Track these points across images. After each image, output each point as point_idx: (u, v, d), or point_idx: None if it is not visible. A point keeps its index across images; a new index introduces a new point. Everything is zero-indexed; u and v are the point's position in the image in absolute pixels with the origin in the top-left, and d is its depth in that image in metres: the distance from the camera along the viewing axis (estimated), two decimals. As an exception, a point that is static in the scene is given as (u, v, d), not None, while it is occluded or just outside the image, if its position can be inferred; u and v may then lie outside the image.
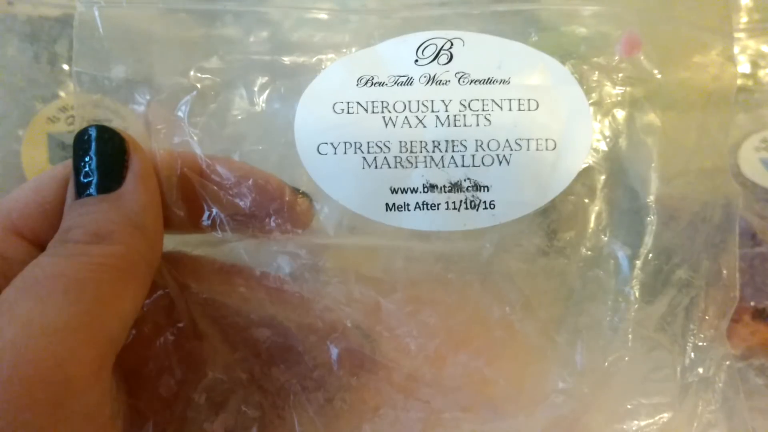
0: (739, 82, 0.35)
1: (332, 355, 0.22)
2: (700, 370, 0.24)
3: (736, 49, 0.35)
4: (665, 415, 0.24)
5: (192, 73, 0.24)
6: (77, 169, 0.20)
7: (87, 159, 0.20)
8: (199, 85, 0.24)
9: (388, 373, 0.23)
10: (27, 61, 0.24)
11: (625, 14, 0.24)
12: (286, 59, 0.24)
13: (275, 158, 0.24)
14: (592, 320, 0.23)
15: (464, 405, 0.23)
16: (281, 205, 0.22)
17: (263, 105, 0.24)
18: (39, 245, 0.20)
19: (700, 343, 0.24)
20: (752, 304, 0.30)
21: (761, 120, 0.34)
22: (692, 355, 0.24)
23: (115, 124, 0.21)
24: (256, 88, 0.24)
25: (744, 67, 0.35)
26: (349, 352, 0.22)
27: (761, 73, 0.35)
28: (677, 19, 0.24)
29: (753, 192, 0.33)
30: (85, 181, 0.20)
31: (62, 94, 0.22)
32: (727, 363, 0.24)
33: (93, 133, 0.20)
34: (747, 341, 0.31)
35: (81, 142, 0.20)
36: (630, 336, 0.23)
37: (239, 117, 0.24)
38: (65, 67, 0.22)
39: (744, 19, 0.35)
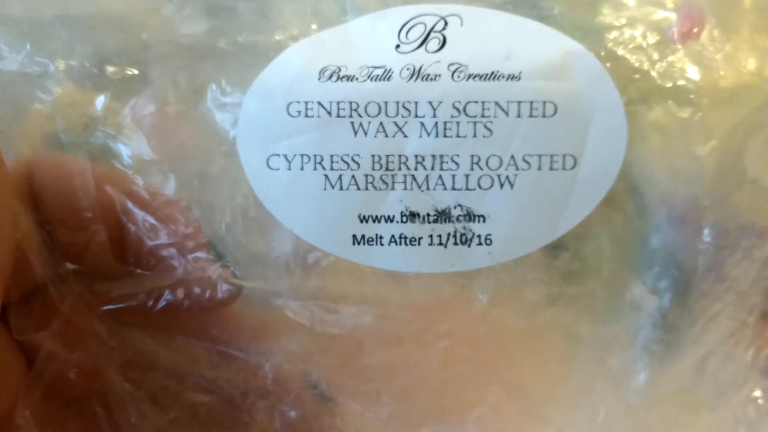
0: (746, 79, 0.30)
1: (284, 425, 0.19)
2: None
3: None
4: None
5: (108, 59, 0.19)
6: None
7: None
8: (117, 77, 0.19)
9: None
10: (21, 58, 0.21)
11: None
12: (229, 42, 0.19)
13: (214, 173, 0.19)
14: (611, 383, 0.19)
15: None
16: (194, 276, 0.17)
17: (199, 103, 0.19)
18: None
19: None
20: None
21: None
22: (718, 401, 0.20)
23: (111, 122, 0.19)
24: (189, 80, 0.19)
25: (750, 63, 0.30)
26: (303, 420, 0.19)
27: (767, 70, 0.30)
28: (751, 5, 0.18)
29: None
30: None
31: (58, 91, 0.19)
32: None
33: None
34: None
35: None
36: (655, 399, 0.19)
37: (168, 117, 0.19)
38: (60, 65, 0.19)
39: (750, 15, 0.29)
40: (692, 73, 0.19)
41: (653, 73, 0.19)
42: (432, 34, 0.19)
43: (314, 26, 0.19)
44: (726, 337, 0.20)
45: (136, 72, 0.19)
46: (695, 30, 0.19)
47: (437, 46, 0.19)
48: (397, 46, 0.19)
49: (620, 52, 0.19)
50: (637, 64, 0.19)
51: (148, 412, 0.19)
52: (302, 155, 0.19)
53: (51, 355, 0.18)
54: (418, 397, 0.19)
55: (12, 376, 0.18)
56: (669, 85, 0.19)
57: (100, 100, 0.19)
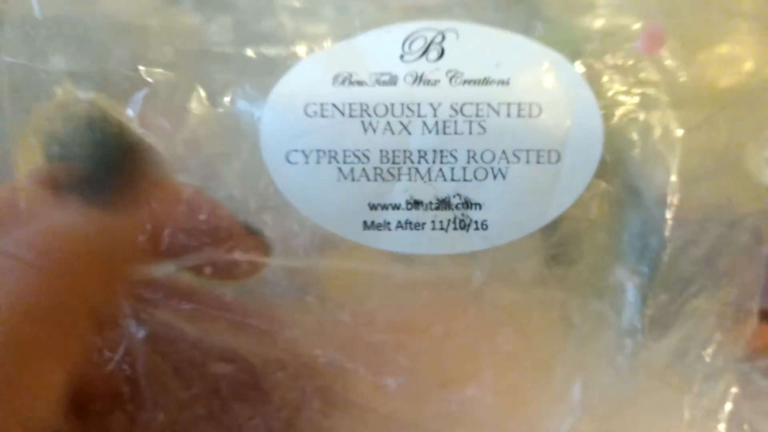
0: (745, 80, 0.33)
1: (302, 394, 0.21)
2: (705, 403, 0.23)
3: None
4: None
5: (143, 66, 0.22)
6: None
7: None
8: (151, 80, 0.22)
9: (363, 414, 0.21)
10: (21, 59, 0.23)
11: (646, 2, 0.22)
12: (253, 52, 0.22)
13: (238, 167, 0.22)
14: (594, 358, 0.21)
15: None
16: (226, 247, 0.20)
17: (225, 105, 0.22)
18: None
19: (708, 377, 0.22)
20: None
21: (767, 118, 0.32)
22: (699, 389, 0.22)
23: (113, 123, 0.21)
24: (217, 86, 0.22)
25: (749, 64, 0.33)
26: (320, 390, 0.21)
27: (767, 71, 0.33)
28: (707, 5, 0.21)
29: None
30: None
31: (58, 92, 0.21)
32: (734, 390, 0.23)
33: None
34: (752, 343, 0.29)
35: None
36: (636, 376, 0.21)
37: (197, 118, 0.22)
38: (62, 66, 0.21)
39: None
40: (656, 78, 0.22)
41: (624, 79, 0.22)
42: (432, 46, 0.22)
43: (327, 41, 0.22)
44: (701, 322, 0.22)
45: (140, 74, 0.21)
46: (658, 44, 0.22)
47: (436, 56, 0.22)
48: (401, 56, 0.22)
49: (596, 62, 0.22)
50: (610, 72, 0.22)
51: (171, 386, 0.21)
52: (318, 150, 0.21)
53: None
54: (424, 368, 0.21)
55: None
56: (637, 90, 0.22)
57: (104, 102, 0.21)
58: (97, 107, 0.21)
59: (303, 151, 0.21)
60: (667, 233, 0.22)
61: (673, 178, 0.22)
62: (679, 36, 0.22)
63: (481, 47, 0.22)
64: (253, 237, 0.21)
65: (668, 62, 0.22)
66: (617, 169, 0.22)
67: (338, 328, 0.21)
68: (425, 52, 0.22)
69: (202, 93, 0.22)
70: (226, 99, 0.22)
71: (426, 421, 0.21)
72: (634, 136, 0.22)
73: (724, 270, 0.22)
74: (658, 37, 0.22)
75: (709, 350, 0.23)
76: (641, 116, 0.22)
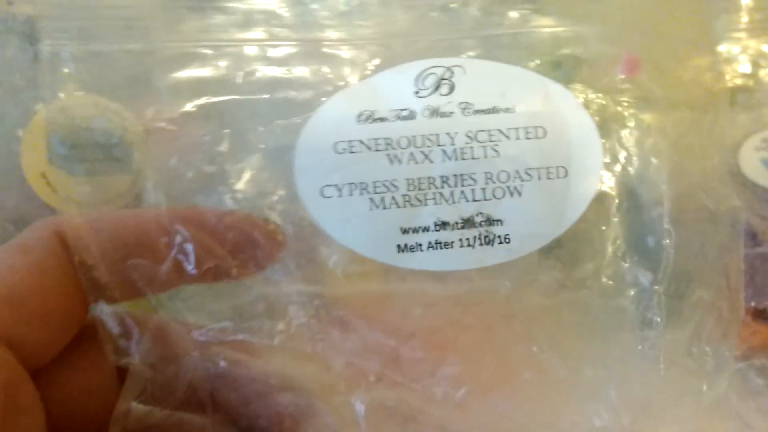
0: (740, 81, 0.36)
1: (359, 412, 0.22)
2: (718, 389, 0.25)
3: (737, 49, 0.36)
4: None
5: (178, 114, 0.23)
6: None
7: None
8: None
9: (419, 427, 0.22)
10: (26, 61, 0.25)
11: (623, 34, 0.25)
12: (280, 96, 0.24)
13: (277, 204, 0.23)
14: (621, 350, 0.23)
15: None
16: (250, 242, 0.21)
17: (259, 146, 0.23)
18: None
19: (717, 363, 0.25)
20: (753, 304, 0.31)
21: (762, 120, 0.35)
22: (711, 376, 0.25)
23: (115, 125, 0.22)
24: (249, 131, 0.23)
25: (744, 66, 0.36)
26: (375, 407, 0.22)
27: (762, 73, 0.36)
28: (668, 36, 0.25)
29: (753, 192, 0.34)
30: None
31: (62, 94, 0.22)
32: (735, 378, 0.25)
33: None
34: (748, 341, 0.31)
35: None
36: (660, 364, 0.23)
37: (235, 160, 0.23)
38: (65, 68, 0.22)
39: (745, 18, 0.36)
40: (637, 98, 0.25)
41: (614, 98, 0.25)
42: (442, 81, 0.24)
43: (350, 81, 0.24)
44: (708, 312, 0.25)
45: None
46: (636, 68, 0.25)
47: (448, 91, 0.24)
48: (416, 92, 0.24)
49: (585, 85, 0.25)
50: (601, 94, 0.24)
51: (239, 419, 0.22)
52: (350, 184, 0.23)
53: (139, 374, 0.21)
54: (467, 373, 0.23)
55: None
56: (619, 108, 0.25)
57: (105, 104, 0.23)
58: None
59: (336, 186, 0.23)
60: (665, 232, 0.24)
61: (664, 184, 0.24)
62: (651, 61, 0.25)
63: (486, 80, 0.24)
64: (266, 222, 0.23)
65: (646, 82, 0.25)
66: (617, 178, 0.24)
67: (382, 346, 0.23)
68: (437, 87, 0.24)
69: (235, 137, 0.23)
70: (258, 141, 0.23)
71: (475, 427, 0.22)
72: (628, 147, 0.24)
73: (713, 263, 0.25)
74: (636, 62, 0.25)
75: (715, 343, 0.25)
76: (631, 130, 0.24)
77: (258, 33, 0.25)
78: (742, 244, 0.25)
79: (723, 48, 0.34)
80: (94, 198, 0.24)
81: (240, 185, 0.24)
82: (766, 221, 0.33)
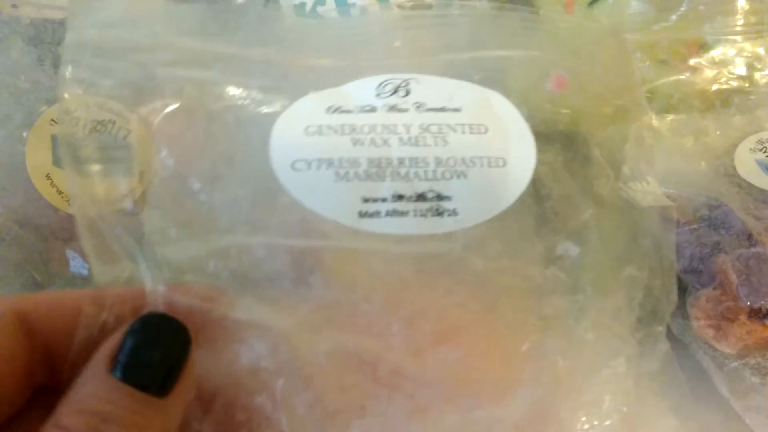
0: (735, 84, 0.39)
1: (322, 353, 0.24)
2: (647, 363, 0.27)
3: (732, 52, 0.38)
4: (624, 408, 0.26)
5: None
6: (135, 348, 0.20)
7: (151, 346, 0.20)
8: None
9: (373, 370, 0.24)
10: (31, 63, 0.26)
11: (552, 57, 0.30)
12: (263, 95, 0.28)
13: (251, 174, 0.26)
14: (556, 311, 0.26)
15: (447, 396, 0.24)
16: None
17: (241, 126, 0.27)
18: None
19: (646, 338, 0.27)
20: (748, 303, 0.33)
21: (757, 122, 0.37)
22: (640, 348, 0.27)
23: (119, 126, 0.23)
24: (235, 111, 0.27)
25: (740, 69, 0.39)
26: (336, 350, 0.24)
27: (757, 75, 0.39)
28: (589, 58, 0.30)
29: (749, 193, 0.36)
30: (134, 366, 0.20)
31: (66, 96, 0.23)
32: (670, 358, 0.28)
33: (173, 325, 0.21)
34: (743, 340, 0.33)
35: (153, 326, 0.21)
36: (590, 325, 0.26)
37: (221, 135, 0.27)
38: (69, 70, 0.24)
39: (740, 21, 0.39)
40: (564, 107, 0.29)
41: (544, 107, 0.29)
42: (400, 88, 0.29)
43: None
44: (634, 285, 0.28)
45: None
46: (562, 84, 0.30)
47: (404, 94, 0.28)
48: (378, 95, 0.28)
49: (520, 97, 0.29)
50: (533, 102, 0.29)
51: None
52: (318, 159, 0.27)
53: None
54: (420, 324, 0.25)
55: None
56: (552, 116, 0.29)
57: (108, 105, 0.25)
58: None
59: (305, 160, 0.26)
60: (593, 215, 0.28)
61: (594, 176, 0.29)
62: (576, 79, 0.30)
63: (436, 88, 0.29)
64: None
65: (569, 98, 0.30)
66: (549, 170, 0.28)
67: (345, 299, 0.25)
68: (395, 92, 0.28)
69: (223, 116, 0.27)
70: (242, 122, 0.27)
71: (427, 373, 0.24)
72: (557, 145, 0.29)
73: (647, 246, 0.28)
74: (563, 81, 0.30)
75: (645, 318, 0.28)
76: (561, 130, 0.29)
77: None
78: (674, 234, 0.29)
79: (718, 51, 0.37)
80: (99, 199, 0.25)
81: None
82: (761, 222, 0.35)
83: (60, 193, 0.30)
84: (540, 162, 0.28)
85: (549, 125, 0.29)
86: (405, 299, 0.25)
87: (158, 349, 0.20)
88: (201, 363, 0.23)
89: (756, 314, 0.33)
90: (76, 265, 0.32)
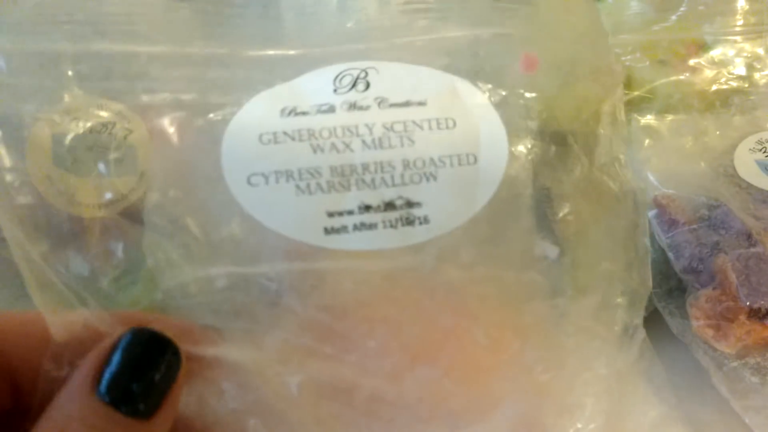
0: (735, 84, 0.38)
1: (294, 387, 0.23)
2: (626, 356, 0.27)
3: (732, 52, 0.38)
4: (608, 409, 0.26)
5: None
6: (121, 370, 0.19)
7: (141, 366, 0.19)
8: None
9: (350, 397, 0.23)
10: (31, 63, 0.24)
11: (522, 35, 0.28)
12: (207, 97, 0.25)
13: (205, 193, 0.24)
14: (536, 318, 0.25)
15: (426, 418, 0.24)
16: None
17: (185, 141, 0.25)
18: None
19: (625, 332, 0.27)
20: (747, 303, 0.33)
21: (757, 122, 0.37)
22: (620, 343, 0.27)
23: (119, 126, 0.23)
24: (176, 125, 0.25)
25: (740, 69, 0.39)
26: (309, 382, 0.23)
27: (756, 75, 0.39)
28: (562, 36, 0.28)
29: (748, 193, 0.36)
30: (121, 387, 0.18)
31: (66, 96, 0.23)
32: (647, 348, 0.28)
33: (164, 344, 0.20)
34: (742, 340, 0.33)
35: (143, 343, 0.19)
36: (571, 329, 0.25)
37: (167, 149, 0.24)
38: (69, 71, 0.23)
39: (740, 21, 0.39)
40: (531, 91, 0.28)
41: (514, 92, 0.27)
42: (358, 80, 0.26)
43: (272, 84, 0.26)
44: (612, 282, 0.27)
45: (144, 81, 0.24)
46: (533, 66, 0.28)
47: (364, 88, 0.26)
48: (335, 90, 0.26)
49: (488, 82, 0.27)
50: (502, 87, 0.27)
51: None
52: (276, 171, 0.24)
53: None
54: (395, 345, 0.24)
55: None
56: (521, 101, 0.27)
57: (109, 105, 0.24)
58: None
59: (262, 174, 0.24)
60: (571, 210, 0.27)
61: (566, 167, 0.27)
62: (548, 59, 0.28)
63: (398, 78, 0.27)
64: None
65: (541, 81, 0.28)
66: (523, 162, 0.27)
67: (316, 323, 0.24)
68: (354, 85, 0.26)
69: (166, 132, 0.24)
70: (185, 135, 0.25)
71: (405, 395, 0.24)
72: (530, 135, 0.27)
73: (621, 239, 0.27)
74: (533, 61, 0.28)
75: (624, 313, 0.27)
76: (533, 119, 0.27)
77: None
78: (647, 222, 0.28)
79: (718, 51, 0.37)
80: (99, 200, 0.25)
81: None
82: (760, 222, 0.35)
83: (60, 194, 0.28)
84: (513, 156, 0.27)
85: (521, 112, 0.27)
86: (378, 319, 0.24)
87: (148, 369, 0.19)
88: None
89: (755, 314, 0.32)
90: (76, 265, 0.31)
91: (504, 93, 0.27)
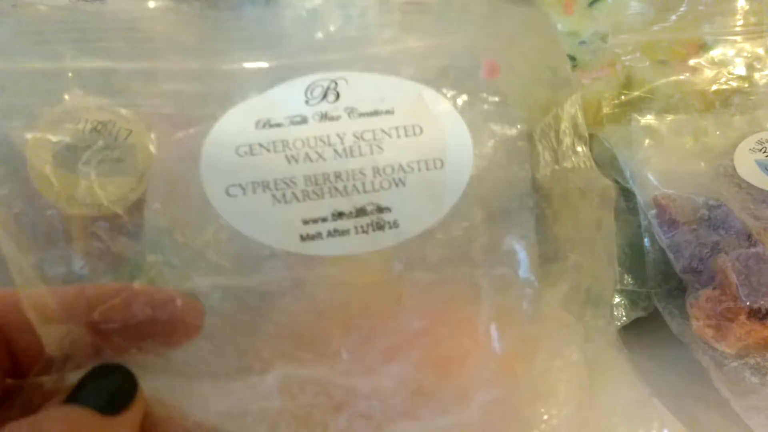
0: (735, 84, 0.38)
1: (273, 386, 0.24)
2: (596, 346, 0.29)
3: (732, 52, 0.38)
4: (579, 394, 0.28)
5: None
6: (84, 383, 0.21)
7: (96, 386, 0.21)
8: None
9: (328, 393, 0.25)
10: (31, 63, 0.25)
11: (484, 45, 0.29)
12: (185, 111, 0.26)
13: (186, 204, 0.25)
14: (505, 310, 0.27)
15: (404, 411, 0.25)
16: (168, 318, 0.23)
17: (166, 154, 0.26)
18: None
19: (593, 321, 0.29)
20: (747, 303, 0.33)
21: (757, 122, 0.37)
22: (588, 333, 0.28)
23: (119, 126, 0.23)
24: (157, 138, 0.26)
25: (740, 69, 0.39)
26: (288, 381, 0.24)
27: (756, 75, 0.39)
28: (520, 43, 0.29)
29: (748, 193, 0.36)
30: (86, 395, 0.21)
31: (66, 96, 0.23)
32: (613, 340, 0.29)
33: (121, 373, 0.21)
34: (743, 340, 0.33)
35: (100, 375, 0.21)
36: (540, 318, 0.27)
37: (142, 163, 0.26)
38: (70, 72, 0.23)
39: (740, 22, 0.39)
40: (495, 95, 0.29)
41: (477, 96, 0.29)
42: (329, 91, 0.27)
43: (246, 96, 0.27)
44: (580, 272, 0.29)
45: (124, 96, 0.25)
46: (495, 72, 0.29)
47: (334, 98, 0.27)
48: (306, 101, 0.27)
49: (452, 88, 0.29)
50: (465, 92, 0.29)
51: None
52: (253, 182, 0.26)
53: None
54: (369, 348, 0.25)
55: None
56: (485, 105, 0.29)
57: (109, 105, 0.25)
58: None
59: (240, 185, 0.26)
60: (535, 204, 0.28)
61: (526, 163, 0.29)
62: (508, 65, 0.30)
63: (367, 88, 0.28)
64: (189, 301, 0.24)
65: (502, 86, 0.29)
66: (487, 163, 0.28)
67: (295, 328, 0.25)
68: (324, 96, 0.27)
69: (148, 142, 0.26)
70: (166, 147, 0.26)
71: (381, 390, 0.25)
72: (493, 137, 0.28)
73: (587, 230, 0.29)
74: (495, 68, 0.29)
75: (591, 304, 0.29)
76: (494, 123, 0.29)
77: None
78: (613, 217, 0.30)
79: (718, 51, 0.37)
80: (99, 199, 0.25)
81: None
82: (760, 222, 0.35)
83: (61, 194, 0.29)
84: (478, 157, 0.28)
85: (485, 116, 0.29)
86: (352, 323, 0.25)
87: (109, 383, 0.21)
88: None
89: (755, 314, 0.33)
90: (76, 265, 0.31)
91: (467, 98, 0.29)
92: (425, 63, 0.29)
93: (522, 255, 0.28)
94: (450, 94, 0.28)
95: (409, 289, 0.26)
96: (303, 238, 0.26)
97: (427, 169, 0.27)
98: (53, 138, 0.24)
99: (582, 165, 0.30)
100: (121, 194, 0.26)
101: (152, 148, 0.25)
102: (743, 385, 0.33)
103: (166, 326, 0.23)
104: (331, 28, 0.29)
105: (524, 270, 0.27)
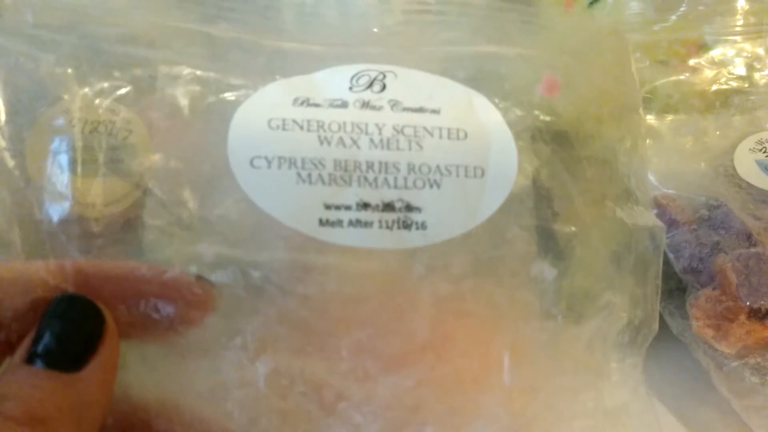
0: (735, 84, 0.38)
1: (261, 374, 0.22)
2: (619, 396, 0.26)
3: (732, 52, 0.38)
4: None
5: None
6: (38, 333, 0.19)
7: (54, 326, 0.19)
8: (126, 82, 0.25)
9: (319, 393, 0.23)
10: (31, 63, 0.25)
11: (546, 58, 0.28)
12: (225, 77, 0.25)
13: (206, 169, 0.24)
14: (521, 340, 0.24)
15: (395, 427, 0.23)
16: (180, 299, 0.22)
17: (195, 115, 0.25)
18: None
19: (622, 369, 0.26)
20: (747, 304, 0.33)
21: (757, 122, 0.37)
22: (614, 380, 0.26)
23: (119, 126, 0.23)
24: (188, 98, 0.25)
25: (740, 69, 0.39)
26: (277, 372, 0.22)
27: (757, 75, 0.39)
28: (587, 62, 0.28)
29: (748, 193, 0.36)
30: (41, 349, 0.19)
31: (65, 96, 0.23)
32: (642, 390, 0.26)
33: (72, 302, 0.20)
34: (742, 340, 0.33)
35: (55, 307, 0.20)
36: (558, 356, 0.25)
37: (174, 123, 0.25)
38: (69, 70, 0.23)
39: (740, 22, 0.39)
40: (553, 115, 0.27)
41: (532, 113, 0.27)
42: (375, 81, 0.26)
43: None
44: (612, 313, 0.26)
45: (145, 78, 0.24)
46: (554, 88, 0.28)
47: (380, 89, 0.26)
48: (350, 87, 0.26)
49: (506, 100, 0.27)
50: (519, 106, 0.27)
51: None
52: (279, 157, 0.24)
53: None
54: (371, 350, 0.23)
55: None
56: (537, 123, 0.27)
57: (108, 105, 0.24)
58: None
59: (266, 158, 0.24)
60: (575, 235, 0.26)
61: (572, 192, 0.27)
62: (569, 84, 0.28)
63: (415, 84, 0.27)
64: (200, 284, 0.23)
65: (561, 105, 0.28)
66: (531, 183, 0.26)
67: (294, 317, 0.23)
68: (370, 85, 0.26)
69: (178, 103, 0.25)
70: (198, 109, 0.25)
71: (374, 400, 0.23)
72: (541, 157, 0.27)
73: (628, 272, 0.27)
74: (554, 85, 0.28)
75: (621, 348, 0.26)
76: (546, 142, 0.27)
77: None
78: (661, 260, 0.27)
79: (718, 51, 0.37)
80: (98, 200, 0.24)
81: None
82: (761, 222, 0.35)
83: (60, 194, 0.29)
84: (522, 174, 0.26)
85: (536, 134, 0.27)
86: (357, 321, 0.23)
87: (67, 327, 0.20)
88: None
89: (755, 314, 0.32)
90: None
91: (520, 113, 0.27)
92: (482, 69, 0.27)
93: (550, 284, 0.25)
94: (502, 105, 0.27)
95: (425, 297, 0.24)
96: (322, 223, 0.24)
97: (466, 175, 0.26)
98: (52, 138, 0.24)
99: (631, 202, 0.28)
100: (122, 194, 0.25)
101: (152, 149, 0.24)
102: (743, 385, 0.33)
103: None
104: (389, 23, 0.28)
105: (550, 300, 0.25)
